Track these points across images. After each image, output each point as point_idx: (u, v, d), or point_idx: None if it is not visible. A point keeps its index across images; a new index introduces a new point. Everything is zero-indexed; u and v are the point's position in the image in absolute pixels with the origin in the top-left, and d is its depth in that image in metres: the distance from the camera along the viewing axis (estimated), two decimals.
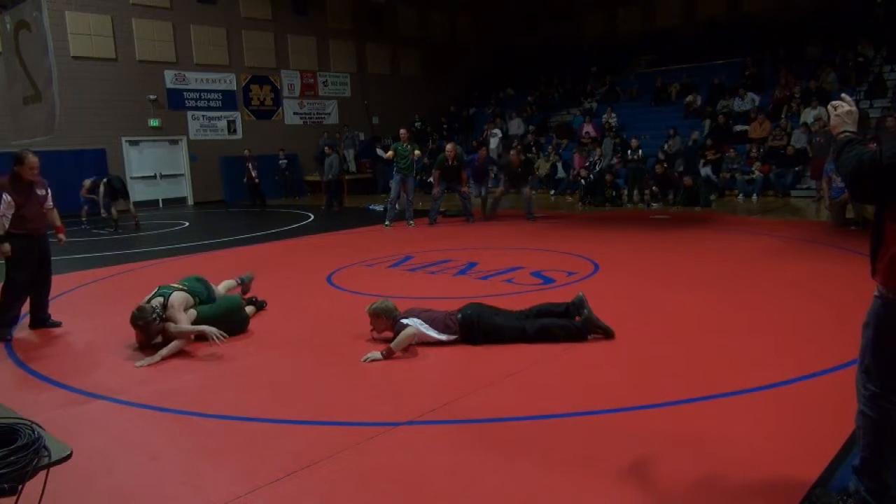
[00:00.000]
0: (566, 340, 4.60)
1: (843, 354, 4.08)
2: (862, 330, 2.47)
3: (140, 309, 4.82)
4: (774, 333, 4.76)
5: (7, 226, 5.47)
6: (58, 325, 5.85)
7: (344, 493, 2.84)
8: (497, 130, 19.66)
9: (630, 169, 15.07)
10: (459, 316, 4.71)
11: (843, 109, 2.48)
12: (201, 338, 5.04)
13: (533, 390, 3.90)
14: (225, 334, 4.77)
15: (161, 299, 4.91)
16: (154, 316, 4.77)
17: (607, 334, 4.68)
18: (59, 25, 16.15)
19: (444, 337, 4.65)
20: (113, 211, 13.60)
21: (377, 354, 4.47)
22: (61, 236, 6.15)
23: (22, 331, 5.77)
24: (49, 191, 5.89)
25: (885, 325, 2.36)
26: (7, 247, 5.47)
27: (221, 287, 5.74)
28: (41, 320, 5.86)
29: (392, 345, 4.50)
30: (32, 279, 5.73)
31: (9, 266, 5.62)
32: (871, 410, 2.44)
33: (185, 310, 5.01)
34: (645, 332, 4.83)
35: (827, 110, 2.61)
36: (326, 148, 17.30)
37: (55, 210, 6.02)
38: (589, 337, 4.67)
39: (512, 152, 13.00)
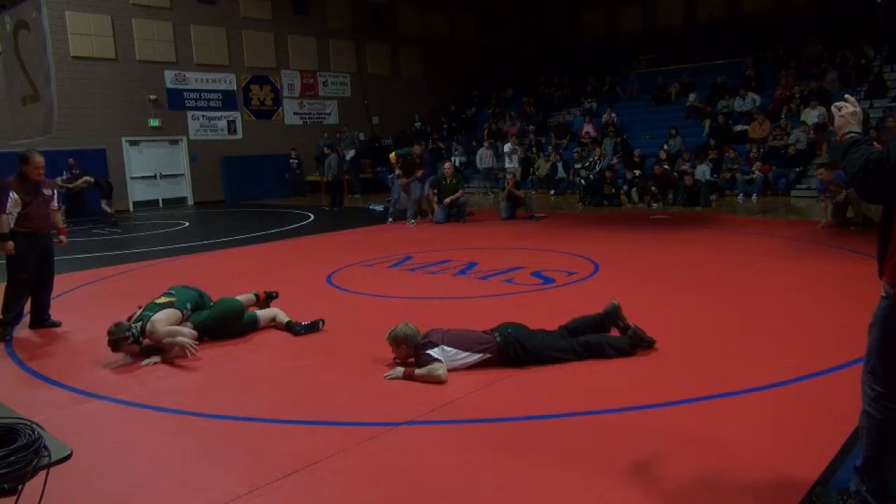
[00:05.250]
0: (616, 357, 4.29)
1: (844, 354, 4.08)
2: (868, 330, 2.46)
3: (117, 325, 4.74)
4: (774, 333, 4.76)
5: (12, 224, 5.52)
6: (57, 324, 5.86)
7: (344, 493, 2.84)
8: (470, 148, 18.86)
9: (634, 177, 15.01)
10: (498, 338, 4.24)
11: (847, 110, 2.47)
12: (205, 336, 5.07)
13: (533, 390, 3.89)
14: (195, 348, 4.71)
15: (140, 324, 4.83)
16: (128, 335, 4.70)
17: (650, 345, 4.41)
18: (59, 25, 16.14)
19: (474, 358, 4.18)
20: (107, 208, 14.20)
21: (398, 373, 4.14)
22: (63, 238, 6.19)
23: (22, 331, 5.77)
24: (55, 191, 5.98)
25: (892, 326, 2.35)
26: (11, 244, 5.52)
27: (242, 298, 5.67)
28: (41, 320, 5.87)
29: (417, 373, 4.08)
30: (34, 278, 5.77)
31: (11, 264, 5.66)
32: (875, 411, 2.44)
33: (174, 324, 4.92)
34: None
35: (830, 111, 2.60)
36: (325, 148, 17.28)
37: (59, 212, 6.10)
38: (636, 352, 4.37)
39: (508, 176, 13.18)
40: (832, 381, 3.79)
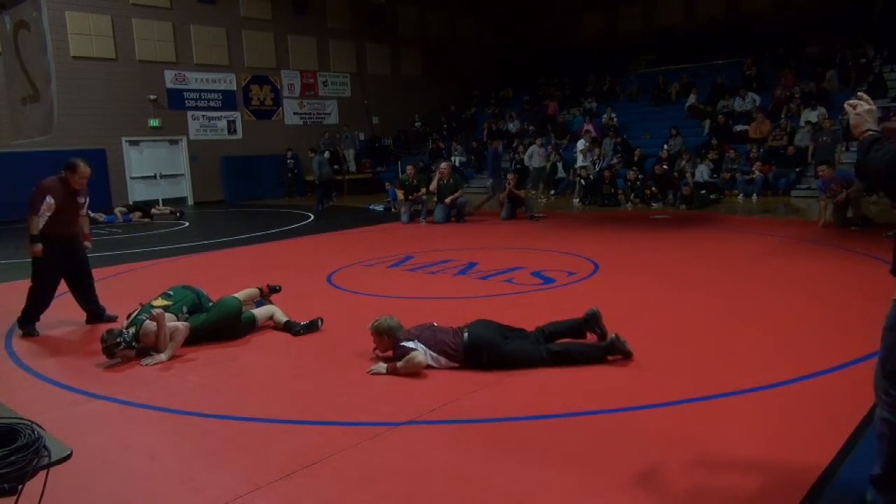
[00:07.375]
0: (585, 364, 4.23)
1: (843, 354, 4.09)
2: (882, 334, 2.34)
3: (109, 332, 4.76)
4: (774, 333, 4.76)
5: (41, 226, 5.51)
6: (114, 318, 5.85)
7: (344, 493, 2.84)
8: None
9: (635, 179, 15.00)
10: (466, 336, 4.25)
11: (862, 108, 2.40)
12: (203, 339, 5.07)
13: (533, 390, 3.89)
14: (156, 359, 4.71)
15: (134, 329, 4.83)
16: (119, 340, 4.69)
17: (626, 356, 4.28)
18: (59, 25, 16.14)
19: (441, 361, 4.24)
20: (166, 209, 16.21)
21: (382, 368, 4.23)
22: (87, 243, 6.20)
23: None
24: (87, 199, 5.98)
25: None
26: (40, 247, 5.53)
27: (242, 294, 5.66)
28: (96, 314, 5.93)
29: (398, 366, 4.19)
30: (57, 282, 5.81)
31: (36, 266, 5.66)
32: (894, 417, 2.31)
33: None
34: (645, 333, 4.81)
35: (845, 109, 2.51)
36: (310, 151, 17.39)
37: (87, 218, 6.13)
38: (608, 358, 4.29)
39: (509, 175, 13.32)
40: (832, 381, 3.79)
